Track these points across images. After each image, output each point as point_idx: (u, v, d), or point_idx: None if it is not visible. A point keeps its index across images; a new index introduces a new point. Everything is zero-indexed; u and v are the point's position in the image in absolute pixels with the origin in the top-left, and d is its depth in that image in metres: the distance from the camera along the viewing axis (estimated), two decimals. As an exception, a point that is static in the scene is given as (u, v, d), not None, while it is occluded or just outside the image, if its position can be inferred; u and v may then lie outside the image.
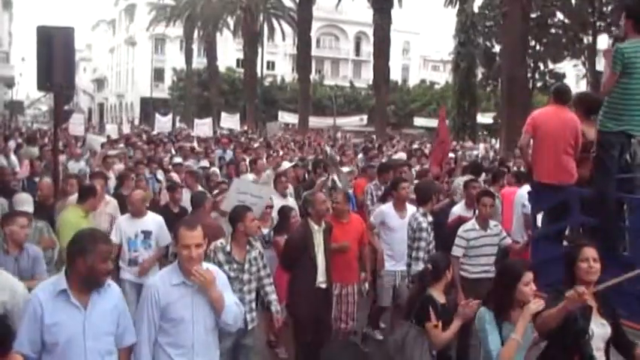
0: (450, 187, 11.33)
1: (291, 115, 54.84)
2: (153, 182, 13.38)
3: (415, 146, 29.39)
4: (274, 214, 9.31)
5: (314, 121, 52.60)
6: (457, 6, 46.54)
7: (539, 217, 7.57)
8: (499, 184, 10.72)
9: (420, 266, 7.47)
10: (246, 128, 43.47)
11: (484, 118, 52.73)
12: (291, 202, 10.35)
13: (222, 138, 26.27)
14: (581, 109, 7.16)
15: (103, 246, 4.40)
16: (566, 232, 7.09)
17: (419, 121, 65.33)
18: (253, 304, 6.83)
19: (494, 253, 7.98)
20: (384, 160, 16.17)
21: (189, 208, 9.70)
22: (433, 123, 62.68)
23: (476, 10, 47.53)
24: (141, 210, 8.52)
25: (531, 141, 7.22)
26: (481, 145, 36.21)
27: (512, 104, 30.67)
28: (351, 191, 11.32)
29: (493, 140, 37.19)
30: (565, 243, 6.94)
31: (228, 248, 6.58)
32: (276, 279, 7.96)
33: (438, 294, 5.81)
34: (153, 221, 8.54)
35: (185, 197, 10.53)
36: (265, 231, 8.80)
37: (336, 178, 11.34)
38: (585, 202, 6.54)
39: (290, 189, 11.34)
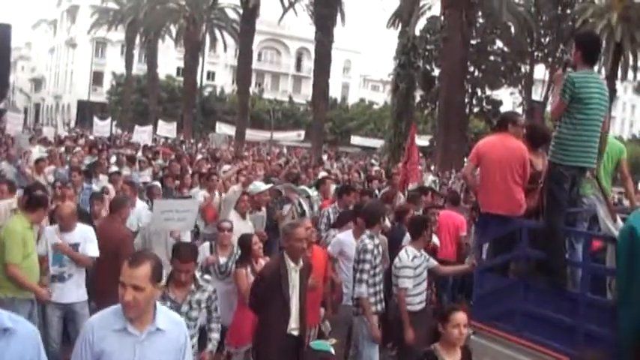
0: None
1: (229, 126, 54.45)
2: (89, 193, 11.78)
3: (376, 167, 28.82)
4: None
5: (251, 134, 52.37)
6: (399, 28, 46.94)
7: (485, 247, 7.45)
8: None
9: (363, 289, 7.18)
10: (183, 138, 42.85)
11: (420, 140, 53.15)
12: (249, 225, 9.76)
13: (163, 148, 25.32)
14: (530, 140, 7.08)
15: None
16: (512, 265, 6.99)
17: (356, 139, 65.68)
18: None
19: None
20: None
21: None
22: (370, 142, 63.89)
23: (417, 33, 48.07)
24: (70, 225, 7.76)
25: (477, 170, 7.15)
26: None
27: (449, 127, 31.20)
28: None
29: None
30: (510, 275, 6.87)
31: (163, 282, 5.82)
32: (236, 318, 7.48)
33: (445, 350, 5.18)
34: (80, 233, 7.79)
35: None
36: (222, 260, 8.00)
37: (303, 202, 10.92)
38: (533, 235, 6.47)
39: (263, 212, 10.73)
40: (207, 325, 6.38)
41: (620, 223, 6.11)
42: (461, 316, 5.20)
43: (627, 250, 5.49)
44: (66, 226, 7.75)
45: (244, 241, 7.80)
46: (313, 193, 12.53)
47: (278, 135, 61.46)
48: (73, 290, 7.66)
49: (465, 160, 29.60)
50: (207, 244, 8.30)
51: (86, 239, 7.76)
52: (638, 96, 78.01)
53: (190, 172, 14.80)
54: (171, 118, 48.34)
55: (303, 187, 12.91)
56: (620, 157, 7.09)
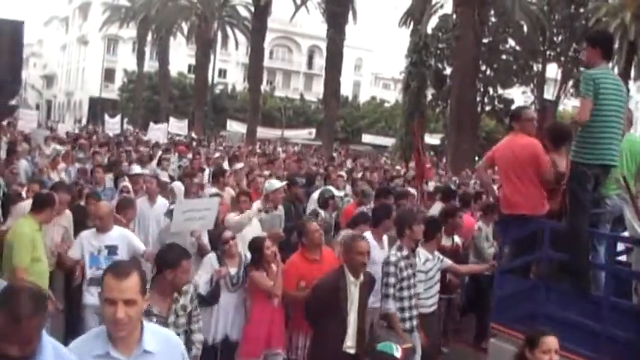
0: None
1: (240, 124, 54.52)
2: (113, 192, 11.61)
3: (397, 166, 28.31)
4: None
5: (262, 132, 52.40)
6: (411, 26, 46.82)
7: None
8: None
9: (390, 304, 6.76)
10: (194, 135, 42.84)
11: (432, 139, 53.08)
12: (254, 223, 9.33)
13: (179, 145, 25.13)
14: (551, 139, 6.93)
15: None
16: (534, 267, 6.89)
17: (367, 137, 65.51)
18: None
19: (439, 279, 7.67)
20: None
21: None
22: (381, 140, 63.68)
23: (429, 31, 47.90)
24: (108, 224, 7.54)
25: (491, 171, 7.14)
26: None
27: (460, 126, 31.05)
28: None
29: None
30: (532, 277, 6.78)
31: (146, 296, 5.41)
32: (249, 330, 7.16)
33: None
34: (118, 235, 7.59)
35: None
36: (233, 270, 7.35)
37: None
38: (555, 236, 6.36)
39: (280, 210, 10.41)
40: (188, 326, 5.86)
41: (647, 224, 6.01)
42: (552, 341, 4.70)
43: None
44: (104, 225, 7.53)
45: (255, 244, 7.36)
46: (340, 193, 12.35)
47: (289, 133, 61.44)
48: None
49: (477, 159, 29.58)
50: (213, 254, 7.63)
51: (127, 240, 7.63)
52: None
53: (207, 171, 14.71)
54: (182, 116, 48.41)
55: (328, 187, 12.64)
56: (643, 156, 6.95)
